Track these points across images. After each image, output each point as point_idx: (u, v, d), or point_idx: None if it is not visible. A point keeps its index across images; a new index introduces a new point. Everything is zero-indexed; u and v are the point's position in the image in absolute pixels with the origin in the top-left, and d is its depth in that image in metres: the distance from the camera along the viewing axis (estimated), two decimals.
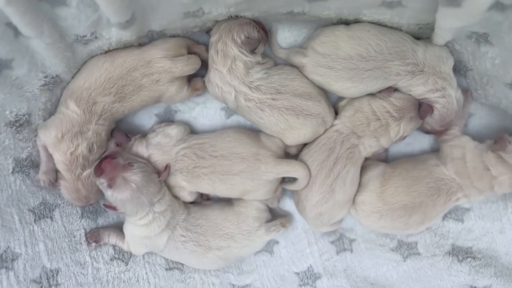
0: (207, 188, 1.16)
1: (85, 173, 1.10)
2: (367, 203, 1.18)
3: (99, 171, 1.05)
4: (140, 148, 1.15)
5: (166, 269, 1.23)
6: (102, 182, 1.06)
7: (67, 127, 1.07)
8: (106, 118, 1.11)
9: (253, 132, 1.21)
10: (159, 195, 1.10)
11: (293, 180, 1.19)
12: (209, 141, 1.15)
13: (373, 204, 1.17)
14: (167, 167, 1.12)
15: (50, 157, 1.11)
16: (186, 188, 1.16)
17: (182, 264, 1.25)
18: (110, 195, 1.06)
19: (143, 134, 1.20)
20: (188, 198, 1.18)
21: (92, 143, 1.10)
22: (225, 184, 1.14)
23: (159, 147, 1.14)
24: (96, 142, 1.11)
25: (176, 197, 1.17)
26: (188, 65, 1.14)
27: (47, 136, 1.08)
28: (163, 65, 1.11)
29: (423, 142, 1.29)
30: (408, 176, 1.17)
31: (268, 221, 1.21)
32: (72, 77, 1.12)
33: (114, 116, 1.13)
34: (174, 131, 1.18)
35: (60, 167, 1.09)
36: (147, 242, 1.14)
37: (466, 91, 1.21)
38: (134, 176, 1.05)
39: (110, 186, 1.04)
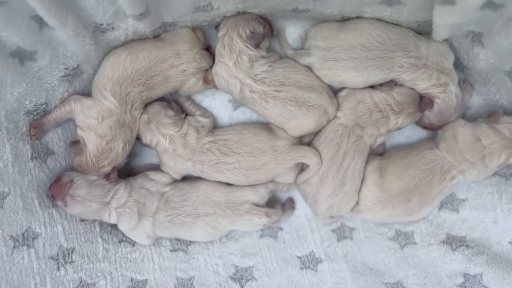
0: (227, 180, 1.21)
1: (105, 170, 1.15)
2: (368, 197, 1.21)
3: (52, 197, 1.12)
4: (184, 124, 1.20)
5: (171, 251, 1.27)
6: (59, 205, 1.13)
7: (108, 114, 1.12)
8: (137, 108, 1.16)
9: (267, 125, 1.25)
10: (110, 193, 1.14)
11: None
12: (232, 137, 1.20)
13: (373, 196, 1.20)
14: (114, 169, 1.17)
15: (60, 122, 1.14)
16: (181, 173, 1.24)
17: (187, 246, 1.29)
18: (69, 212, 1.14)
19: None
20: (177, 177, 1.25)
21: (126, 142, 1.15)
22: (248, 178, 1.19)
23: (196, 130, 1.20)
24: (128, 141, 1.16)
25: (145, 187, 1.20)
26: (212, 59, 1.21)
27: (88, 115, 1.11)
28: (193, 56, 1.17)
29: (421, 135, 1.31)
30: (402, 163, 1.21)
31: (258, 205, 1.22)
32: (93, 70, 1.15)
33: (144, 102, 1.19)
34: (208, 123, 1.24)
35: (90, 146, 1.12)
36: (135, 233, 1.21)
37: (464, 82, 1.23)
38: (77, 190, 1.11)
39: (65, 205, 1.11)
